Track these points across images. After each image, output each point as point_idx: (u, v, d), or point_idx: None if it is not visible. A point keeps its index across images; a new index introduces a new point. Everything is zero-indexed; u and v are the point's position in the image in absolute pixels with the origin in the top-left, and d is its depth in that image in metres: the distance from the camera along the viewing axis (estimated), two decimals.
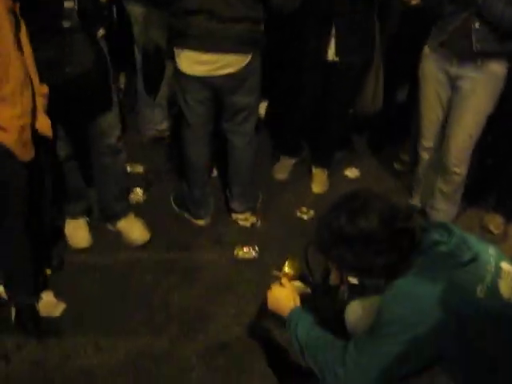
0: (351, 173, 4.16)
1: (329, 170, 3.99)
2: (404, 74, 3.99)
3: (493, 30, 2.91)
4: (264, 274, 3.10)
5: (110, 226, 3.46)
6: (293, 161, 4.09)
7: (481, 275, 1.74)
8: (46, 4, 2.49)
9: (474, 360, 1.71)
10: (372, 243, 1.78)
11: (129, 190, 3.66)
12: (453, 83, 3.16)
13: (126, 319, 2.88)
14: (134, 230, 3.42)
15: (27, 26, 2.40)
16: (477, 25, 2.91)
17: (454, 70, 3.11)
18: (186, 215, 3.59)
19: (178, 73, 3.05)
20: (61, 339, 2.74)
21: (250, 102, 3.19)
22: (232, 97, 3.12)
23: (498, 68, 3.05)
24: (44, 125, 2.52)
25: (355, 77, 3.54)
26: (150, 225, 3.48)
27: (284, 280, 2.26)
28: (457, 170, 3.29)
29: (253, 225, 3.55)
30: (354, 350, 1.82)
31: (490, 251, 1.84)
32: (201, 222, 3.56)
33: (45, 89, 2.50)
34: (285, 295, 2.18)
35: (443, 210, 3.49)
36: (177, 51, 2.99)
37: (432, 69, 3.21)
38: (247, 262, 3.30)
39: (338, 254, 1.85)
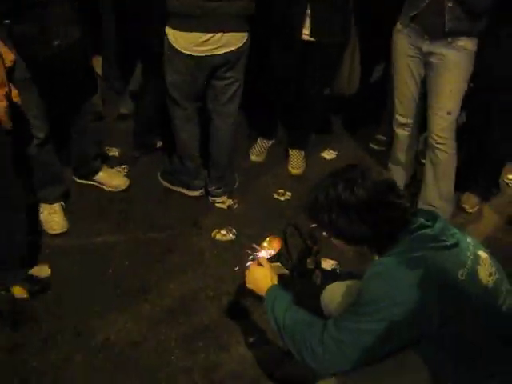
0: (328, 154, 4.17)
1: (305, 152, 3.99)
2: (379, 54, 3.99)
3: (465, 9, 2.93)
4: (242, 256, 3.11)
5: (88, 182, 3.60)
6: (269, 143, 4.08)
7: (462, 260, 1.78)
8: None
9: (452, 344, 1.73)
10: (366, 212, 1.79)
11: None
12: (425, 59, 3.18)
13: (105, 304, 2.86)
14: (113, 177, 3.62)
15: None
16: (450, 3, 2.92)
17: (425, 45, 3.12)
18: (181, 189, 3.62)
19: (172, 52, 3.04)
20: (38, 324, 2.72)
21: (238, 79, 3.22)
22: (224, 74, 3.16)
23: (468, 44, 3.07)
24: (14, 93, 2.59)
25: (331, 57, 3.53)
26: (128, 209, 3.48)
27: (262, 259, 2.26)
28: (440, 146, 3.29)
29: (230, 207, 3.55)
30: (334, 328, 1.81)
31: (469, 240, 1.88)
32: (196, 193, 3.60)
33: (11, 56, 2.55)
34: (263, 274, 2.17)
35: (437, 207, 3.39)
36: (173, 32, 2.99)
37: (404, 44, 3.22)
38: (225, 244, 3.29)
39: (330, 219, 1.84)
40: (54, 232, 3.26)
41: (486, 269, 1.81)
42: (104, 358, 2.60)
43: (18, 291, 2.84)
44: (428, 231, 1.81)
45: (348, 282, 2.37)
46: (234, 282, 2.98)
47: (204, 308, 2.88)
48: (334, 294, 2.39)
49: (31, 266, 2.95)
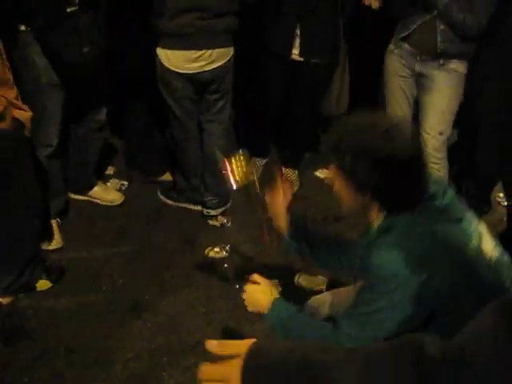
0: (321, 173, 4.18)
1: (299, 170, 4.02)
2: (371, 73, 4.03)
3: (457, 33, 2.98)
4: (234, 273, 3.13)
5: (83, 197, 3.64)
6: (263, 161, 4.11)
7: (469, 234, 1.76)
8: None
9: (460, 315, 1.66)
10: (393, 167, 1.69)
11: None
12: (417, 79, 3.22)
13: (98, 320, 2.88)
14: (108, 192, 3.68)
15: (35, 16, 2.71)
16: (441, 26, 2.98)
17: (417, 66, 3.17)
18: (187, 205, 3.68)
19: (165, 72, 3.10)
20: (30, 340, 2.74)
21: (227, 91, 3.31)
22: (215, 88, 3.23)
23: (459, 67, 3.12)
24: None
25: (320, 77, 3.58)
26: (122, 226, 3.50)
27: (257, 276, 2.13)
28: (432, 165, 3.31)
29: (223, 225, 3.57)
30: (346, 325, 1.77)
31: (471, 215, 1.85)
32: (199, 208, 3.64)
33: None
34: (261, 291, 2.06)
35: None
36: (165, 52, 3.05)
37: (396, 64, 3.27)
38: (218, 261, 3.31)
39: (355, 162, 1.72)
40: (49, 248, 3.28)
41: (489, 244, 1.79)
42: (96, 375, 2.61)
43: (43, 284, 3.00)
44: (438, 202, 1.77)
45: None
46: (226, 299, 3.01)
47: (196, 325, 2.90)
48: (323, 299, 2.37)
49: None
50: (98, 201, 3.66)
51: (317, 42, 3.38)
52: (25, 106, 2.59)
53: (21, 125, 2.57)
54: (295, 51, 3.40)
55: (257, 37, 3.47)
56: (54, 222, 3.35)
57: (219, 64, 3.12)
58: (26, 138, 2.66)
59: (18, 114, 2.54)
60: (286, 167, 3.99)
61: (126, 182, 3.90)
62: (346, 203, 1.87)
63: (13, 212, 2.75)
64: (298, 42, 3.37)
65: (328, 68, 3.57)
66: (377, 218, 1.84)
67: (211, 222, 3.58)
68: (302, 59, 3.41)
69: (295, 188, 3.93)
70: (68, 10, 2.77)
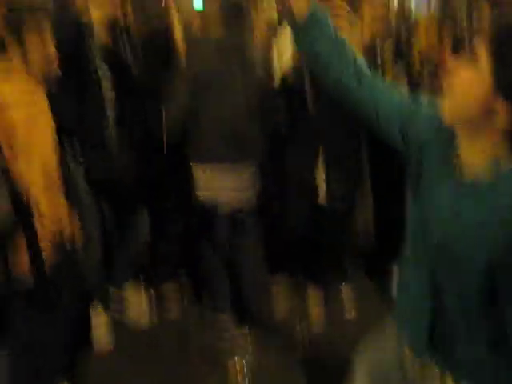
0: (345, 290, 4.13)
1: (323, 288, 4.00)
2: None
3: None
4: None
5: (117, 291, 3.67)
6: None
7: None
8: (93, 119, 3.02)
9: None
10: None
11: None
12: None
13: None
14: (140, 301, 3.76)
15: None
16: None
17: None
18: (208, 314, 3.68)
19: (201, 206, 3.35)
20: None
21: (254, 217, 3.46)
22: (243, 215, 3.41)
23: None
24: None
25: (342, 221, 3.67)
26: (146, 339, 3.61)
27: None
28: None
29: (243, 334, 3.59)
30: None
31: None
32: (225, 317, 3.63)
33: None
34: None
35: None
36: (202, 174, 3.26)
37: None
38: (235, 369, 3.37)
39: None
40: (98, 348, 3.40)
41: None
42: None
43: None
44: None
45: None
46: None
47: None
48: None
49: None
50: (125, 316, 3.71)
51: (342, 188, 3.48)
52: (76, 220, 2.78)
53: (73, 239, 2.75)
54: (321, 195, 3.49)
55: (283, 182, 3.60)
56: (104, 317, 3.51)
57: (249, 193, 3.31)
58: (76, 252, 2.82)
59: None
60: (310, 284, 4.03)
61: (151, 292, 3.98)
62: (464, 105, 1.38)
63: (53, 331, 2.80)
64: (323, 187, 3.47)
65: (350, 211, 3.67)
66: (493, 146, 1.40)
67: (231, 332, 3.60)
68: (325, 204, 3.52)
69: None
70: (107, 134, 3.07)
